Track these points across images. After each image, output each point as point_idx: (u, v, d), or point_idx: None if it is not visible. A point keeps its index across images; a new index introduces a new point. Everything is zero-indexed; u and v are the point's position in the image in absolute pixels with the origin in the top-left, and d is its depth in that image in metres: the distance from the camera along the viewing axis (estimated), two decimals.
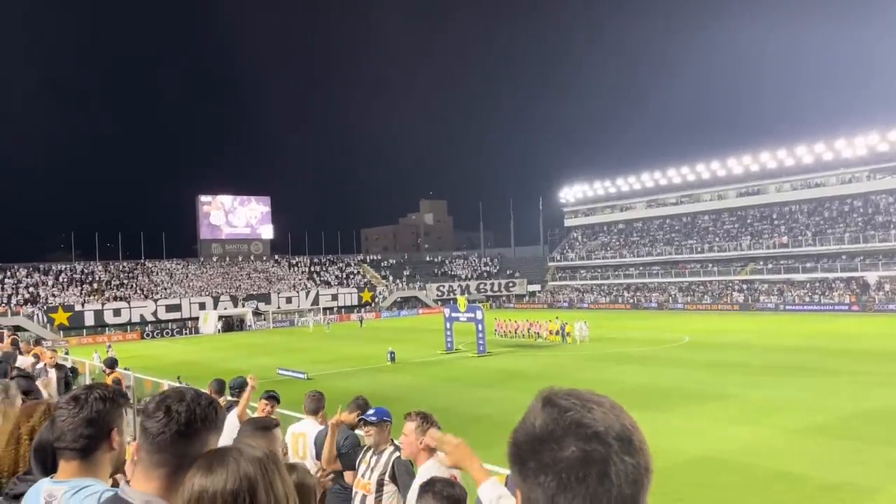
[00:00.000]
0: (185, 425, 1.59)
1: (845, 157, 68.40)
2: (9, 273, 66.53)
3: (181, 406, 1.62)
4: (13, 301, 62.24)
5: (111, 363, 11.24)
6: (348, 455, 5.52)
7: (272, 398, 6.87)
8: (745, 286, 67.44)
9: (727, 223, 77.97)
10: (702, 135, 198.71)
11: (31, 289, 65.38)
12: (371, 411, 5.24)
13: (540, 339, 42.91)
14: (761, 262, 68.66)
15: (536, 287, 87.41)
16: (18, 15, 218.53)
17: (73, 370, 12.87)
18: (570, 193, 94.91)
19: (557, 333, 42.23)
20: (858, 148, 67.01)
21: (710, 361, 30.16)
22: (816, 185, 70.96)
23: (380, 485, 4.89)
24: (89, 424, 1.87)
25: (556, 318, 45.31)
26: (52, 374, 8.69)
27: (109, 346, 44.22)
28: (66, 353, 30.74)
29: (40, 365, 9.86)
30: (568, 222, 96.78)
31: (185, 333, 64.84)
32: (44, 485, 1.87)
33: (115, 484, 1.87)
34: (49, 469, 1.98)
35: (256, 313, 70.06)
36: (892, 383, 22.98)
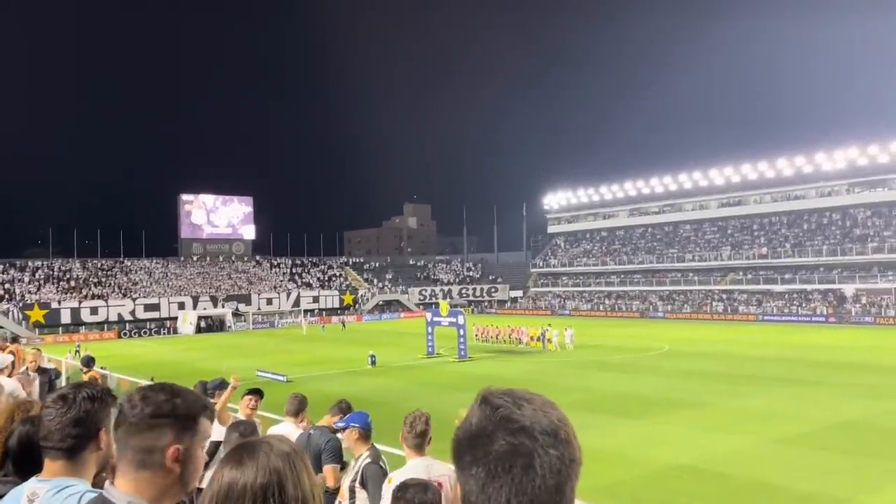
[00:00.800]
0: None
1: (825, 171, 69.38)
2: None
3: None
4: None
5: (88, 361, 11.07)
6: (331, 457, 5.48)
7: (256, 392, 6.78)
8: (724, 296, 68.06)
9: (708, 233, 78.70)
10: (685, 145, 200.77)
11: (6, 285, 64.43)
12: (345, 417, 5.23)
13: (521, 345, 42.99)
14: (741, 273, 69.35)
15: (518, 293, 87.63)
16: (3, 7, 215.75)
17: (56, 373, 12.63)
18: (554, 200, 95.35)
19: (539, 340, 42.34)
20: (838, 161, 68.01)
21: (689, 370, 30.37)
22: (796, 198, 71.86)
23: (351, 491, 4.86)
24: (77, 424, 1.85)
25: (549, 325, 44.59)
26: (35, 378, 8.47)
27: (78, 346, 42.50)
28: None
29: (22, 369, 9.65)
30: (551, 229, 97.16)
31: (164, 333, 64.17)
32: (28, 484, 1.84)
33: (100, 483, 1.84)
34: (31, 470, 1.94)
35: (236, 314, 69.54)
36: (868, 395, 23.27)
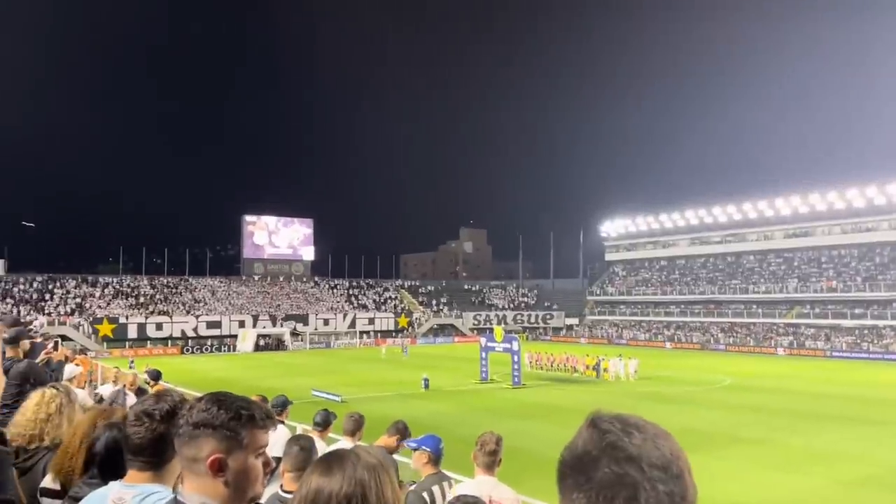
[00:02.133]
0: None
1: None
2: (58, 283, 68.57)
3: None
4: (61, 311, 64.06)
5: (155, 375, 11.46)
6: None
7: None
8: (790, 330, 65.72)
9: (773, 265, 76.33)
10: (748, 172, 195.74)
11: (78, 299, 67.22)
12: (419, 438, 5.28)
13: (576, 374, 42.40)
14: (808, 306, 66.91)
15: (574, 320, 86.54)
16: (85, 28, 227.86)
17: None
18: (612, 228, 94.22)
19: (593, 369, 41.69)
20: None
21: (751, 405, 29.38)
22: (867, 230, 69.14)
23: None
24: (164, 439, 1.92)
25: (619, 356, 43.02)
26: (133, 398, 8.76)
27: (132, 361, 43.01)
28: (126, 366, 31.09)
29: (115, 387, 10.05)
30: (609, 256, 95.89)
31: (224, 350, 65.72)
32: (113, 488, 1.96)
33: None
34: (115, 473, 2.07)
35: (294, 334, 70.74)
36: None
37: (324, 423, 7.02)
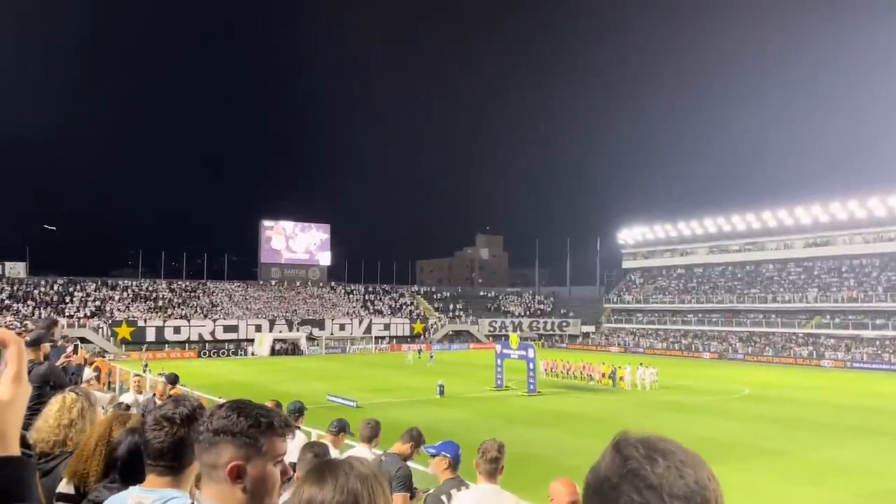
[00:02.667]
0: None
1: None
2: (78, 286, 69.35)
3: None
4: (81, 313, 64.78)
5: (173, 379, 11.56)
6: (401, 485, 5.55)
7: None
8: (809, 340, 64.93)
9: (793, 274, 75.51)
10: (767, 180, 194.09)
11: (97, 302, 67.92)
12: (438, 444, 5.29)
13: (592, 382, 42.17)
14: (828, 316, 66.08)
15: (591, 328, 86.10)
16: (108, 35, 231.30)
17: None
18: (629, 235, 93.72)
19: (609, 377, 41.45)
20: None
21: (770, 416, 29.05)
22: (890, 240, 68.23)
23: None
24: (183, 443, 1.94)
25: (640, 364, 42.71)
26: None
27: (146, 364, 42.71)
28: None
29: (142, 396, 10.15)
30: (626, 264, 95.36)
31: (241, 354, 66.08)
32: (132, 493, 1.97)
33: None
34: (135, 478, 2.08)
35: (310, 338, 70.98)
36: None
37: (338, 430, 7.05)
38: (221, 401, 2.18)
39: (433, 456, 5.17)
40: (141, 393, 12.25)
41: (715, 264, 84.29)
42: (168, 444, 1.95)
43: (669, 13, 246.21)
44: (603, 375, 42.05)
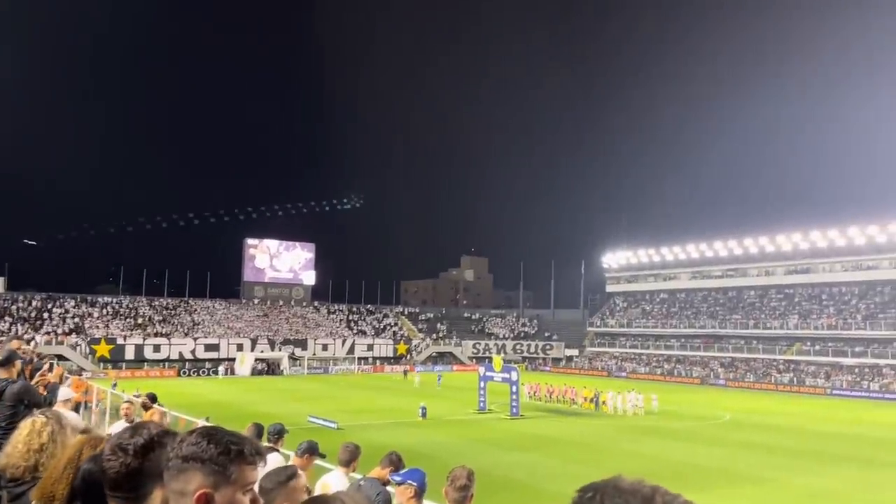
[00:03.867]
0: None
1: None
2: (57, 303, 68.47)
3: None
4: (59, 330, 63.86)
5: (151, 398, 11.41)
6: None
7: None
8: (790, 366, 65.35)
9: (774, 300, 76.15)
10: (749, 208, 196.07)
11: (76, 319, 67.03)
12: (402, 472, 5.20)
13: (574, 405, 42.10)
14: (808, 343, 66.57)
15: (574, 351, 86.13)
16: (90, 47, 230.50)
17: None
18: (613, 259, 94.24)
19: (591, 401, 41.40)
20: None
21: (751, 442, 29.11)
22: (868, 268, 69.11)
23: None
24: (140, 472, 1.87)
25: (633, 390, 42.13)
26: None
27: (115, 384, 41.44)
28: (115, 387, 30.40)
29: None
30: (609, 288, 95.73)
31: (221, 374, 65.32)
32: None
33: None
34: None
35: (292, 358, 70.38)
36: None
37: (304, 452, 6.96)
38: (201, 421, 2.13)
39: (398, 484, 5.07)
40: (132, 422, 12.01)
41: (697, 289, 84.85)
42: (122, 474, 1.87)
43: (658, 35, 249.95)
44: (585, 399, 42.01)
